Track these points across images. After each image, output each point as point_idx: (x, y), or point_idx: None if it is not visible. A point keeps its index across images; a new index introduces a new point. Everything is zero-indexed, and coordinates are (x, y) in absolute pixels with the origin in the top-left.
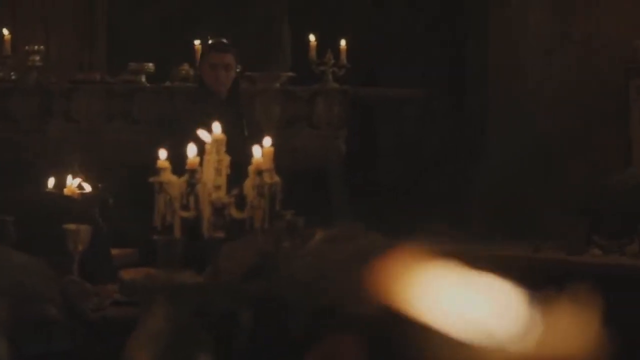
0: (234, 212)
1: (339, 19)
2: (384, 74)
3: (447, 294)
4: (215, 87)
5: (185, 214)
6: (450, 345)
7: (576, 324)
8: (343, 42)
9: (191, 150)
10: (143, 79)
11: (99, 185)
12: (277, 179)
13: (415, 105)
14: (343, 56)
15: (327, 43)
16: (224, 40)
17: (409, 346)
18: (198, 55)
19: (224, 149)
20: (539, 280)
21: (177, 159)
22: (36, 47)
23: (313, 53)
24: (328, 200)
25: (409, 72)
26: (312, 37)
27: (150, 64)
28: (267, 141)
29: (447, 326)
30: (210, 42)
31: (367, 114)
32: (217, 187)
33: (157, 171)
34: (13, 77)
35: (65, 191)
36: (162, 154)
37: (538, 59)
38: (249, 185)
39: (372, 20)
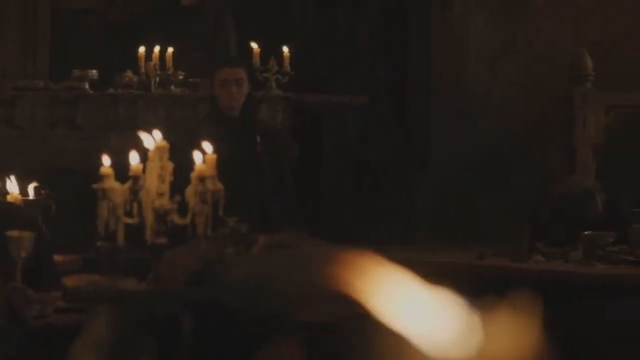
0: (177, 219)
1: (283, 26)
2: (329, 80)
3: (392, 301)
4: (229, 104)
5: (128, 220)
6: (393, 352)
7: (516, 331)
8: (286, 49)
9: (134, 157)
10: (87, 85)
11: (43, 191)
12: (220, 185)
13: (359, 112)
14: (286, 63)
15: (271, 50)
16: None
17: (352, 353)
18: (142, 62)
19: (166, 155)
20: (482, 288)
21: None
22: None
23: (256, 60)
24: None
25: (353, 79)
26: (254, 45)
27: (94, 71)
28: (208, 147)
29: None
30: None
31: (312, 120)
32: (160, 194)
33: (100, 178)
34: None
35: (8, 198)
36: (106, 160)
37: (481, 67)
38: (191, 192)
39: (316, 27)
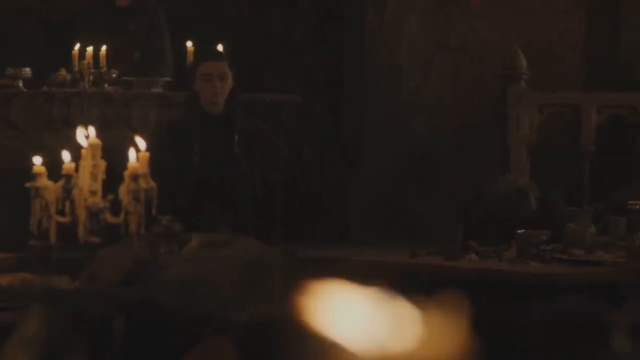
0: (109, 217)
1: (217, 25)
2: (264, 79)
3: (326, 302)
4: (212, 100)
5: (61, 219)
6: (325, 352)
7: (444, 330)
8: (220, 48)
9: (65, 155)
10: (20, 84)
11: None
12: (152, 184)
13: (293, 111)
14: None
15: (206, 49)
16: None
17: (285, 352)
18: (75, 60)
19: (99, 154)
20: (416, 286)
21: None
22: None
23: (190, 59)
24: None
25: (288, 78)
26: (189, 43)
27: (27, 69)
28: (142, 145)
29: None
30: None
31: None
32: (93, 192)
33: (33, 176)
34: None
35: None
36: (37, 159)
37: (415, 66)
38: (124, 190)
39: (251, 26)
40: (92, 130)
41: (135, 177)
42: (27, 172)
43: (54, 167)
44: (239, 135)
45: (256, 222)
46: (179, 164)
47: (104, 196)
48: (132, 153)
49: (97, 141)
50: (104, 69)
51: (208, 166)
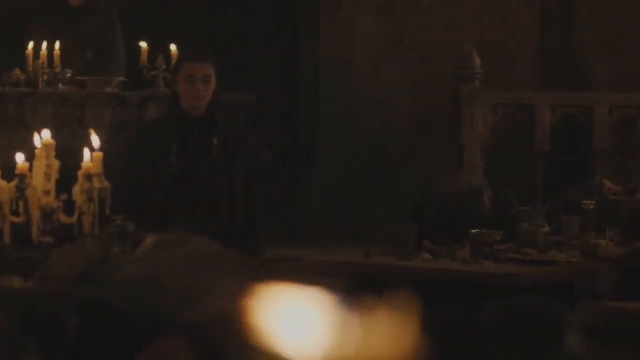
0: (63, 217)
1: (171, 25)
2: (219, 78)
3: (276, 302)
4: (194, 103)
5: (14, 219)
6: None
7: (395, 329)
8: (174, 47)
9: (19, 156)
10: None
11: None
12: (106, 184)
13: (247, 110)
14: (174, 61)
15: (159, 48)
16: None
17: (236, 353)
18: (30, 60)
19: (53, 153)
20: (369, 285)
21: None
22: None
23: (144, 58)
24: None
25: (242, 78)
26: (143, 44)
27: None
28: (96, 143)
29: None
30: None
31: None
32: (47, 192)
33: None
34: None
35: None
36: None
37: (369, 65)
38: (77, 190)
39: (205, 25)
40: (46, 131)
41: (89, 177)
42: None
43: (7, 167)
44: (219, 140)
45: (235, 228)
46: (156, 164)
47: (57, 196)
48: (86, 153)
49: (51, 141)
50: (59, 69)
51: (185, 169)
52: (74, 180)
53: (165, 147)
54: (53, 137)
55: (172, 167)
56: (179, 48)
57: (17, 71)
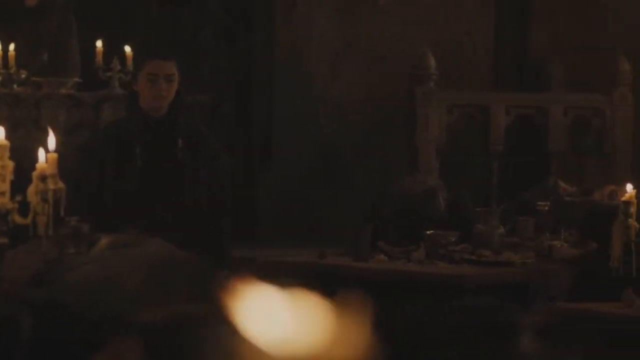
0: (18, 218)
1: (125, 25)
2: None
3: (235, 302)
4: (155, 103)
5: None
6: (235, 353)
7: (348, 330)
8: (128, 48)
9: None
10: None
11: None
12: (61, 184)
13: (203, 111)
14: (129, 62)
15: (115, 49)
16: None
17: (193, 353)
18: None
19: (8, 154)
20: (324, 287)
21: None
22: None
23: (99, 59)
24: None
25: (197, 79)
26: (98, 44)
27: None
28: (52, 144)
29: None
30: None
31: None
32: (1, 193)
33: None
34: None
35: None
36: None
37: (324, 66)
38: (32, 191)
39: (160, 27)
40: (0, 131)
41: (43, 178)
42: None
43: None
44: (183, 141)
45: (201, 230)
46: (119, 167)
47: (12, 197)
48: (41, 154)
49: (5, 142)
50: (13, 70)
51: (150, 171)
52: (29, 181)
53: (128, 150)
54: (7, 137)
55: (136, 170)
56: (133, 49)
57: None
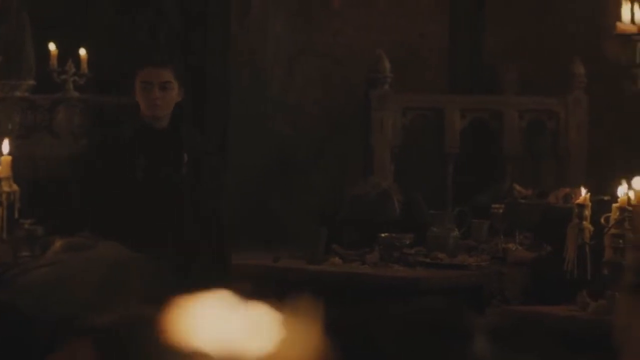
0: None
1: (80, 27)
2: (127, 82)
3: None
4: (151, 113)
5: None
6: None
7: (300, 333)
8: (83, 51)
9: None
10: None
11: None
12: (15, 187)
13: None
14: (84, 65)
15: (69, 52)
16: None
17: (144, 356)
18: None
19: None
20: (278, 290)
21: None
22: None
23: (54, 62)
24: (69, 209)
25: None
26: (52, 46)
27: None
28: (5, 148)
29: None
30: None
31: (106, 121)
32: None
33: None
34: None
35: None
36: None
37: (279, 69)
38: None
39: (115, 28)
40: None
41: None
42: None
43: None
44: (188, 155)
45: (201, 244)
46: (120, 181)
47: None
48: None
49: None
50: None
51: (153, 185)
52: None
53: (129, 161)
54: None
55: (138, 183)
56: (88, 52)
57: None
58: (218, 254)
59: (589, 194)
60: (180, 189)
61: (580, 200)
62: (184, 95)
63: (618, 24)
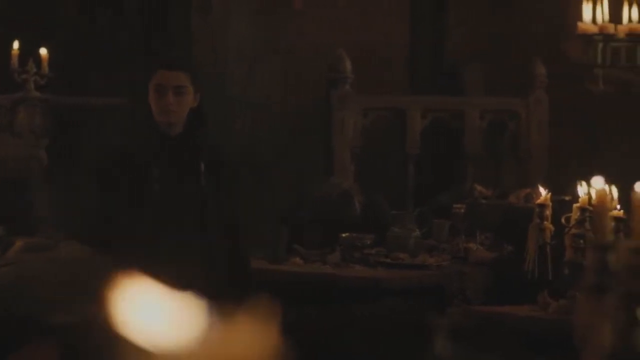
0: None
1: (42, 27)
2: (89, 82)
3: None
4: (163, 118)
5: None
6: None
7: (254, 335)
8: (44, 51)
9: None
10: None
11: None
12: None
13: (120, 114)
14: (45, 64)
15: (30, 51)
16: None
17: (101, 356)
18: None
19: None
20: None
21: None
22: None
23: (15, 61)
24: (30, 209)
25: (114, 81)
26: (16, 45)
27: None
28: None
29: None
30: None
31: (70, 122)
32: None
33: None
34: None
35: None
36: None
37: (241, 69)
38: None
39: (76, 29)
40: None
41: None
42: None
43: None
44: (205, 164)
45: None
46: (134, 192)
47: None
48: None
49: None
50: None
51: (169, 196)
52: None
53: (143, 172)
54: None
55: (153, 196)
56: (49, 52)
57: None
58: (240, 261)
59: (549, 194)
60: (198, 200)
61: (541, 200)
62: (199, 100)
63: (579, 24)
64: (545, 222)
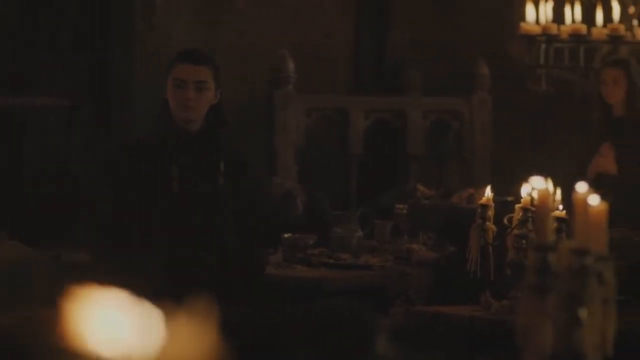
0: None
1: None
2: (30, 82)
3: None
4: (182, 114)
5: None
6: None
7: (193, 334)
8: None
9: None
10: None
11: None
12: None
13: (61, 114)
14: None
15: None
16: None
17: (46, 357)
18: None
19: None
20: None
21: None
22: None
23: None
24: None
25: (55, 81)
26: None
27: None
28: None
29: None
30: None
31: (11, 123)
32: None
33: None
34: None
35: None
36: None
37: None
38: None
39: (17, 27)
40: None
41: None
42: None
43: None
44: (225, 164)
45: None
46: (148, 191)
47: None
48: None
49: None
50: None
51: (186, 197)
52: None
53: (161, 170)
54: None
55: (171, 196)
56: None
57: None
58: (256, 264)
59: (492, 194)
60: (216, 201)
61: (484, 200)
62: (220, 97)
63: (522, 24)
64: (488, 223)
